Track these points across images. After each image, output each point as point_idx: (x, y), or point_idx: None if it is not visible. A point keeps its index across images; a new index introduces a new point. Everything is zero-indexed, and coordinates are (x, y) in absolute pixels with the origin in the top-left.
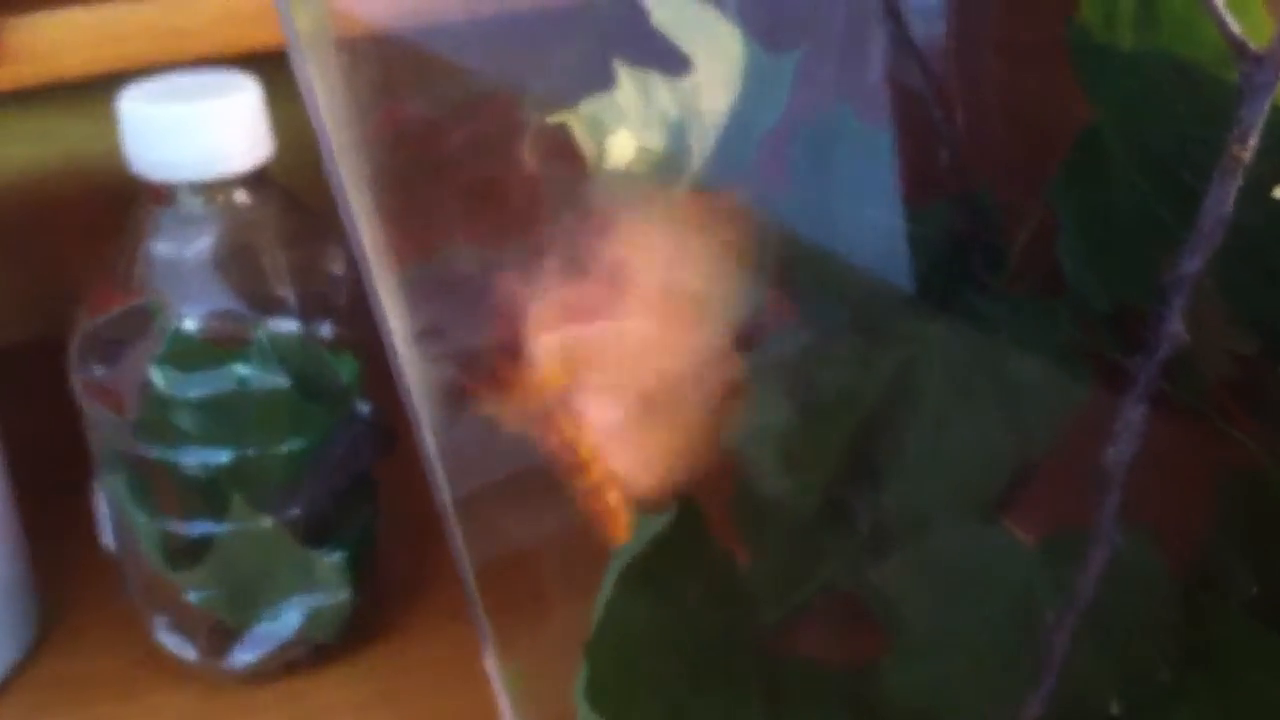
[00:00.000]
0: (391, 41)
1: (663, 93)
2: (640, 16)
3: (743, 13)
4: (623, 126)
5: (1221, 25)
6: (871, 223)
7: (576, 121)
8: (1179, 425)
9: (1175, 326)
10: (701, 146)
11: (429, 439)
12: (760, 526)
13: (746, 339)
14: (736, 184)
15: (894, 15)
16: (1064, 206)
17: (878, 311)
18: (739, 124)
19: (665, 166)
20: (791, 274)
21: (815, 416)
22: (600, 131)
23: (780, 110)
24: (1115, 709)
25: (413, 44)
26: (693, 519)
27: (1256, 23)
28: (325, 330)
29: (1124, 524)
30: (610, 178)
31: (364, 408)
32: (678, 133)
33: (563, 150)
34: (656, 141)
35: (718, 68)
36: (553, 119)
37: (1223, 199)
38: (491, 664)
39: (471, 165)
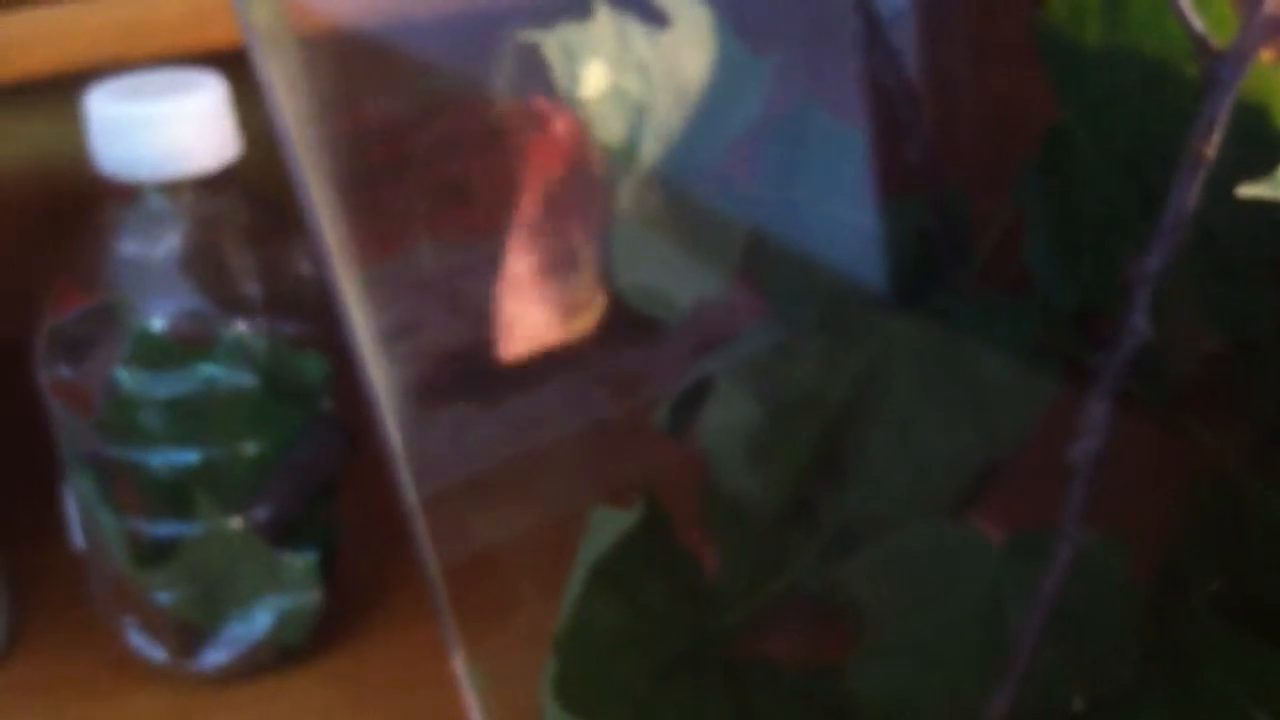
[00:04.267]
0: (352, 39)
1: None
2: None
3: (720, 6)
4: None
5: (1185, 22)
6: (842, 221)
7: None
8: (1146, 424)
9: (1139, 323)
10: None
11: (394, 440)
12: (727, 525)
13: (715, 338)
14: (707, 179)
15: (866, 14)
16: (1030, 205)
17: (846, 310)
18: (713, 119)
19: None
20: (761, 272)
21: (782, 415)
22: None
23: (756, 111)
24: (1079, 708)
25: (374, 41)
26: (658, 519)
27: (1220, 19)
28: (292, 330)
29: (1089, 523)
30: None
31: (332, 407)
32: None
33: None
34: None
35: (695, 35)
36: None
37: (1185, 196)
38: (458, 665)
39: (439, 162)
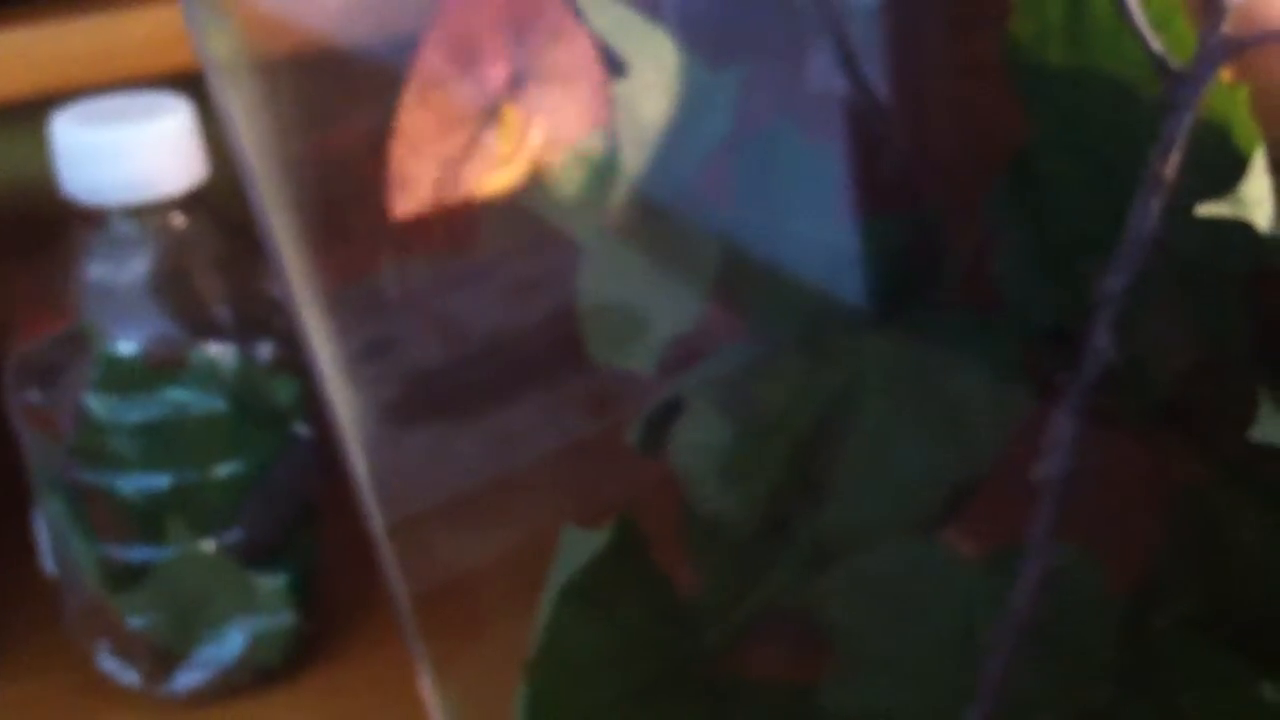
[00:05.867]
0: (312, 62)
1: None
2: None
3: (683, 27)
4: None
5: (1143, 42)
6: (816, 237)
7: (508, 112)
8: (1122, 440)
9: (1101, 342)
10: (637, 153)
11: (358, 464)
12: (703, 544)
13: (688, 355)
14: (680, 201)
15: (836, 28)
16: (1000, 223)
17: (820, 327)
18: (681, 140)
19: (599, 168)
20: (735, 289)
21: (755, 433)
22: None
23: (725, 128)
24: None
25: (336, 62)
26: (631, 538)
27: (1178, 39)
28: (264, 352)
29: (1066, 540)
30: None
31: (304, 430)
32: (613, 135)
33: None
34: (591, 142)
35: (656, 73)
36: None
37: (1146, 216)
38: (426, 689)
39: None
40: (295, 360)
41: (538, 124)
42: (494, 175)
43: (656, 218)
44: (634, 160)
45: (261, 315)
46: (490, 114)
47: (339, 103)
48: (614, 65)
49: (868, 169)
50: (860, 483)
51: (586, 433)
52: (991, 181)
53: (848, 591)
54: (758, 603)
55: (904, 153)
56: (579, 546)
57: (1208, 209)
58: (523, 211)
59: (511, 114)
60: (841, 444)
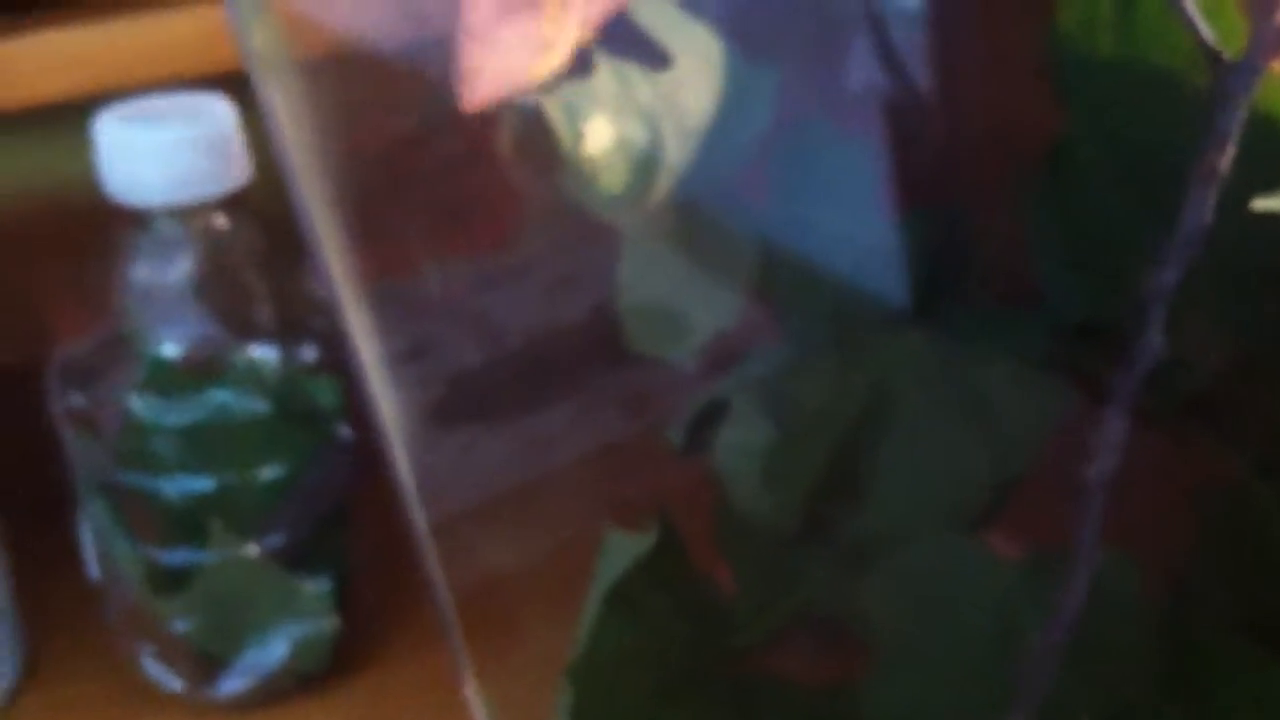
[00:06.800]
0: (353, 60)
1: (641, 85)
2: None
3: (724, 22)
4: (599, 113)
5: (1194, 32)
6: (851, 235)
7: (551, 105)
8: (1159, 440)
9: (1155, 338)
10: (680, 144)
11: (403, 464)
12: (740, 545)
13: (727, 357)
14: (719, 200)
15: (875, 24)
16: (1038, 218)
17: (856, 326)
18: (721, 135)
19: (642, 160)
20: (771, 288)
21: (794, 434)
22: (575, 117)
23: (764, 124)
24: None
25: (376, 61)
26: (671, 541)
27: (1230, 28)
28: (306, 354)
29: (1104, 542)
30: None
31: (346, 432)
32: (655, 127)
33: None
34: (634, 133)
35: (698, 66)
36: (527, 101)
37: (1200, 209)
38: (469, 692)
39: (443, 181)
40: (337, 362)
41: (574, 6)
42: (541, 61)
43: (696, 214)
44: (675, 154)
45: (304, 317)
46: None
47: (380, 101)
48: (657, 57)
49: (903, 164)
50: (896, 482)
51: (623, 434)
52: (1026, 176)
53: (885, 591)
54: (795, 604)
55: (940, 148)
56: (621, 550)
57: (1262, 204)
58: (560, 209)
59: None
60: (879, 444)
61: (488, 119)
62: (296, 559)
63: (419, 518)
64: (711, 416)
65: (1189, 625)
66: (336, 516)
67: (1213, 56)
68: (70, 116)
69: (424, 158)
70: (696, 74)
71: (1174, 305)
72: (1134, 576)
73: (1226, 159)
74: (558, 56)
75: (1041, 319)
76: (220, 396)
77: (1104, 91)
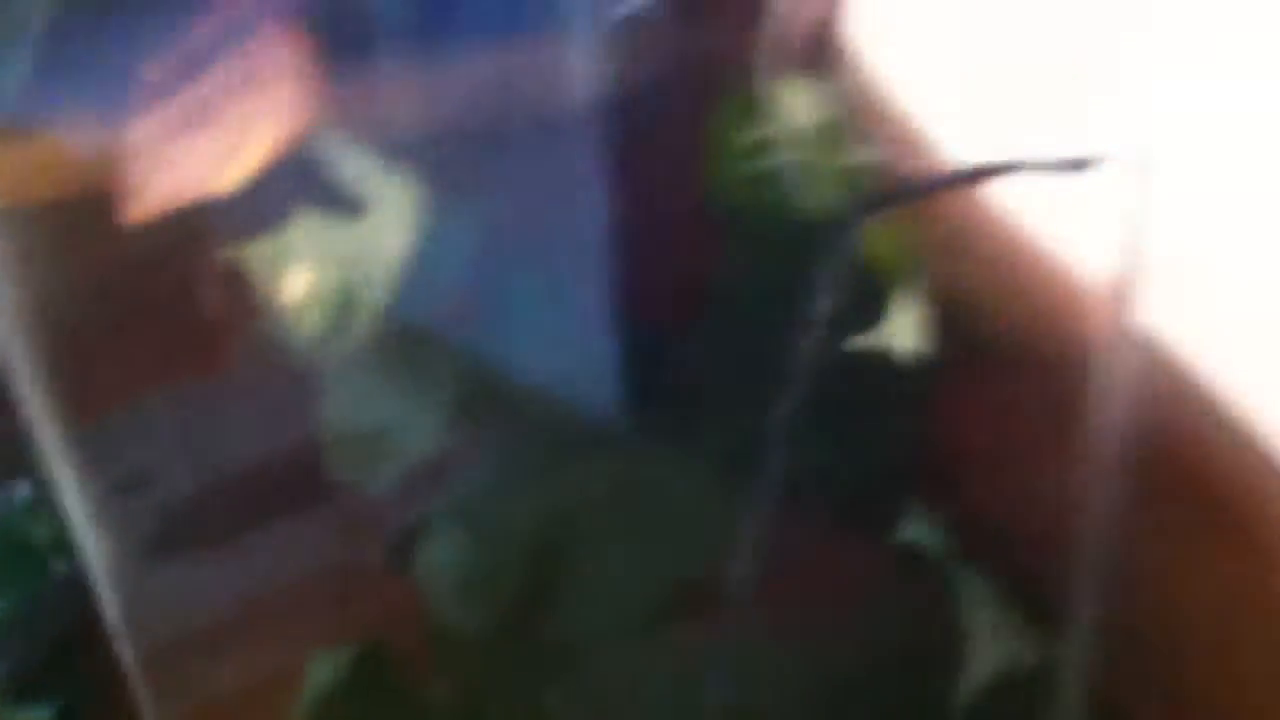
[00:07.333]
0: (66, 204)
1: (338, 233)
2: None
3: (429, 169)
4: (295, 264)
5: (796, 197)
6: (551, 359)
7: (250, 258)
8: (813, 538)
9: (776, 459)
10: (380, 285)
11: (110, 600)
12: (448, 655)
13: (430, 478)
14: (424, 327)
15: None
16: (703, 347)
17: (555, 443)
18: (422, 274)
19: (340, 303)
20: (474, 412)
21: (490, 547)
22: (274, 267)
23: (466, 262)
24: None
25: (88, 203)
26: (375, 655)
27: (835, 192)
28: (23, 491)
29: (772, 628)
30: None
31: (63, 566)
32: (353, 271)
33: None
34: (331, 279)
35: (396, 210)
36: (226, 256)
37: (804, 350)
38: None
39: (165, 311)
40: (51, 499)
41: (250, 123)
42: (218, 173)
43: (399, 347)
44: (375, 295)
45: (15, 456)
46: (206, 116)
47: (91, 242)
48: (354, 206)
49: (601, 295)
50: (586, 590)
51: (340, 556)
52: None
53: (573, 698)
54: (506, 710)
55: (638, 280)
56: (324, 666)
57: (858, 341)
58: (270, 339)
59: (227, 115)
60: (571, 555)
61: (201, 256)
62: (22, 689)
63: (126, 651)
64: (414, 537)
65: (850, 708)
66: (63, 646)
67: (817, 215)
68: None
69: (141, 290)
70: (394, 218)
71: (809, 426)
72: (793, 662)
73: (827, 305)
74: (238, 172)
75: (724, 431)
76: None
77: (747, 238)
